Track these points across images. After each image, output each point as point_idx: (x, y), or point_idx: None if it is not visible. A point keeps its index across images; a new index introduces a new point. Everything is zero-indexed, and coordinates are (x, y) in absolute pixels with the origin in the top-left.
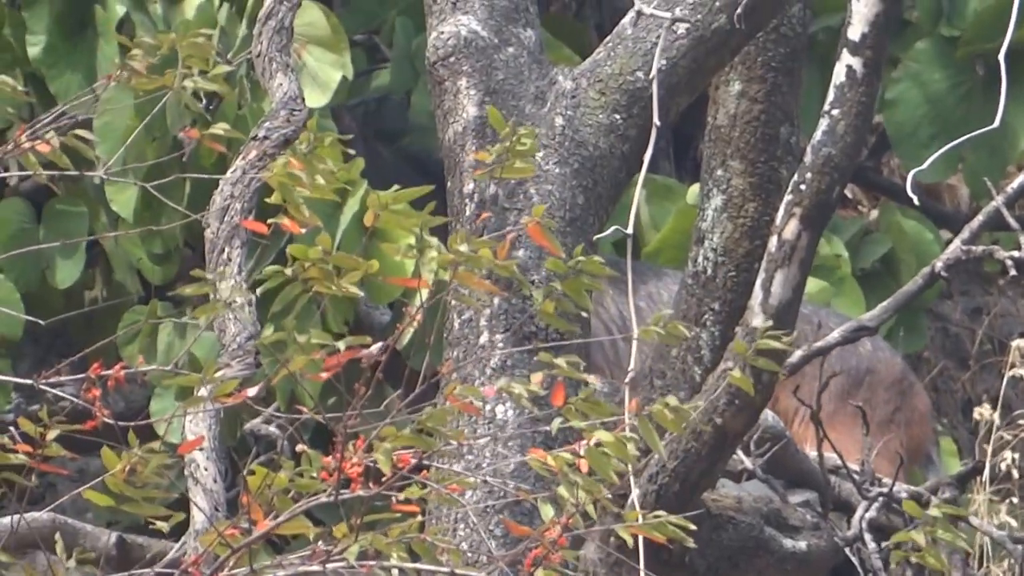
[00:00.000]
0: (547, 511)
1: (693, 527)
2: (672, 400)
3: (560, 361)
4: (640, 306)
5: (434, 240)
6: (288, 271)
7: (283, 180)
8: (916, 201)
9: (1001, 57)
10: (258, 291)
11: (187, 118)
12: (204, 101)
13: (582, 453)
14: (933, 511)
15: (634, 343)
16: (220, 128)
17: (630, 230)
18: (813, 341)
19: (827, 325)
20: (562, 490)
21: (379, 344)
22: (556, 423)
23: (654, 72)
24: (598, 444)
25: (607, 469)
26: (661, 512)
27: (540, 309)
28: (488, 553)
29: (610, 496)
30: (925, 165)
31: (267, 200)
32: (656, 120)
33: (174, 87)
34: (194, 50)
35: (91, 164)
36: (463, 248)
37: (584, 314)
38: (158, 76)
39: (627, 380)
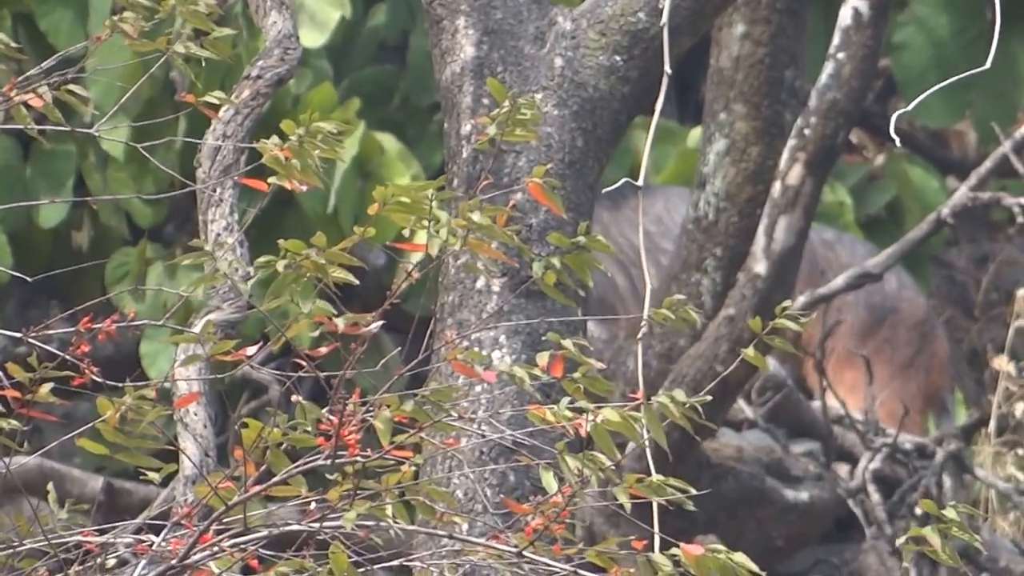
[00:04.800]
0: (549, 481)
1: (692, 491)
2: (679, 393)
3: (568, 343)
4: (650, 230)
5: (444, 214)
6: (280, 265)
7: (275, 166)
8: (898, 142)
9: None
10: (253, 273)
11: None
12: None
13: (586, 430)
14: (949, 512)
15: (647, 293)
16: (214, 96)
17: (641, 181)
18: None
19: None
20: (567, 460)
21: (377, 324)
22: (564, 403)
23: (665, 18)
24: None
25: (610, 445)
26: (659, 477)
27: (540, 280)
28: (483, 502)
29: (612, 464)
30: (909, 108)
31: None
32: (667, 68)
33: (167, 51)
34: (194, 17)
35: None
36: (474, 217)
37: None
38: (150, 40)
39: (639, 336)
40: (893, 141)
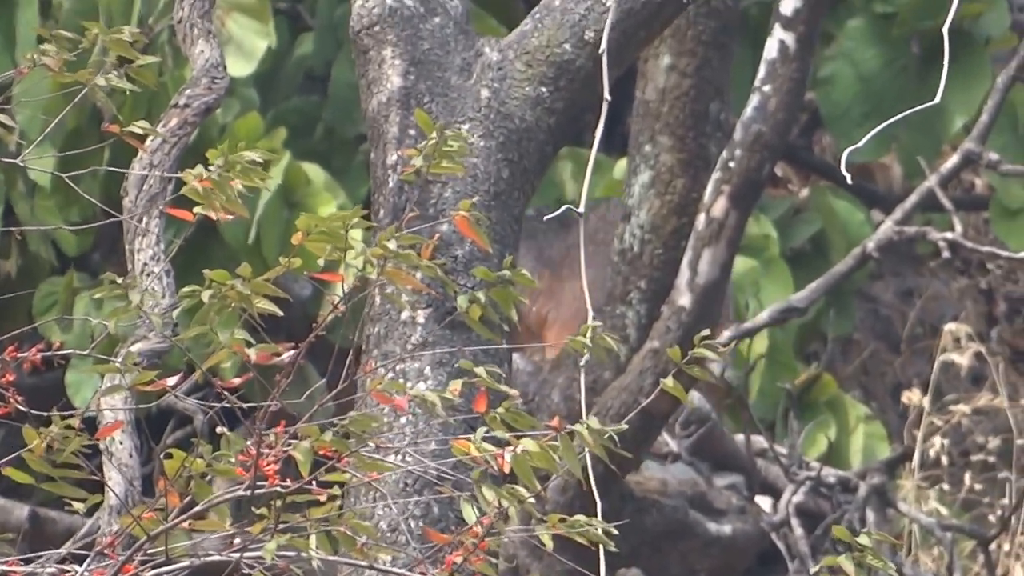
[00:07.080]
0: (469, 513)
1: (615, 531)
2: (594, 421)
3: (481, 371)
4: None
5: (359, 244)
6: (205, 295)
7: (197, 197)
8: (849, 180)
9: (945, 31)
10: (177, 301)
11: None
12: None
13: (506, 461)
14: (863, 539)
15: (590, 317)
16: (139, 126)
17: (582, 208)
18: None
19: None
20: (486, 492)
21: (290, 353)
22: (480, 432)
23: (604, 44)
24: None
25: (531, 477)
26: (580, 517)
27: (465, 315)
28: (407, 534)
29: (532, 497)
30: (861, 144)
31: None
32: (607, 94)
33: (89, 84)
34: (119, 47)
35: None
36: (391, 245)
37: (506, 326)
38: (73, 72)
39: (583, 363)
40: (819, 174)
